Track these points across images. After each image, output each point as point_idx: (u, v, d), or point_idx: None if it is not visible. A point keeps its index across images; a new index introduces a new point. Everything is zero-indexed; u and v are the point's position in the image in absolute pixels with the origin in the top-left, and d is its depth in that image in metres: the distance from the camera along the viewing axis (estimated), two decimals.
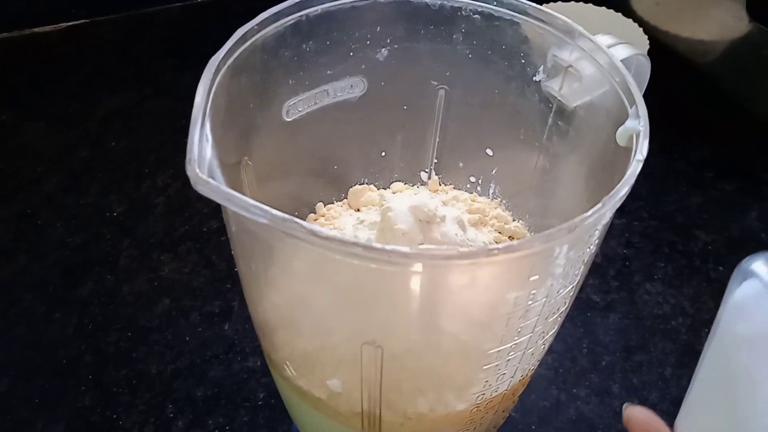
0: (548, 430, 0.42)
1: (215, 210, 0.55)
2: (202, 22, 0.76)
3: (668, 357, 0.46)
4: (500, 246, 0.17)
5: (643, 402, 0.44)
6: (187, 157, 0.19)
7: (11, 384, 0.43)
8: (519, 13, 0.27)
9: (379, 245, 0.17)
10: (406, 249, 0.17)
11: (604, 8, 0.68)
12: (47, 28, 0.73)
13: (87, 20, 0.74)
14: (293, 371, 0.24)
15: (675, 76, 0.67)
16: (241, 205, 0.18)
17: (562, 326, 0.48)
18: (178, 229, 0.53)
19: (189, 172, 0.18)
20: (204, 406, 0.42)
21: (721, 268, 0.52)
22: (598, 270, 0.52)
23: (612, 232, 0.55)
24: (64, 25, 0.74)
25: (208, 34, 0.74)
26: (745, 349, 0.18)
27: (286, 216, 0.17)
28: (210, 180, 0.18)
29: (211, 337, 0.46)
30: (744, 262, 0.19)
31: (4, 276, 0.50)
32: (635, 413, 0.22)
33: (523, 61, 0.28)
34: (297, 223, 0.17)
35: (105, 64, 0.70)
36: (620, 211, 0.56)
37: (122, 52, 0.72)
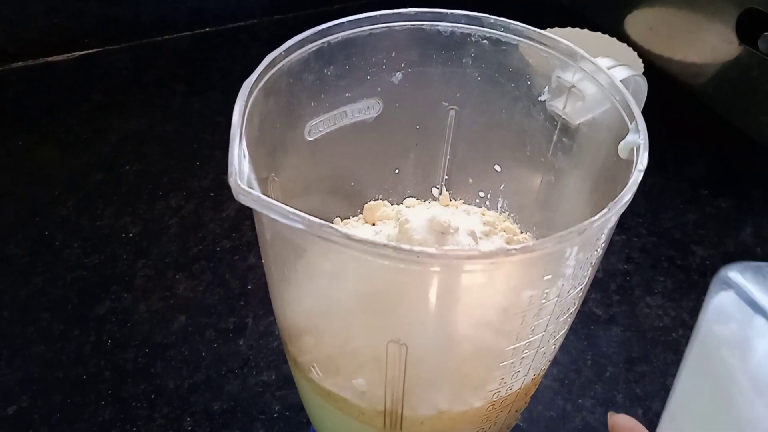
0: None
1: (227, 230, 0.56)
2: (209, 50, 0.79)
3: (669, 367, 0.48)
4: (517, 247, 0.18)
5: (646, 411, 0.46)
6: (229, 170, 0.21)
7: (31, 401, 0.44)
8: (524, 38, 0.29)
9: (407, 246, 0.18)
10: (432, 250, 0.18)
11: (599, 33, 0.71)
12: (60, 57, 0.75)
13: (99, 49, 0.77)
14: (319, 372, 0.26)
15: (669, 98, 0.70)
16: (281, 212, 0.19)
17: (567, 339, 0.49)
18: (192, 249, 0.55)
19: (231, 184, 0.20)
20: (221, 419, 0.44)
21: None
22: (600, 284, 0.54)
23: (612, 248, 0.57)
24: (76, 54, 0.76)
25: (215, 62, 0.76)
26: (721, 350, 0.19)
27: (322, 222, 0.19)
28: (251, 190, 0.20)
29: (226, 353, 0.47)
30: (721, 271, 0.20)
31: (22, 296, 0.51)
32: (619, 421, 0.23)
33: (528, 83, 0.30)
34: (332, 227, 0.19)
35: (116, 91, 0.72)
36: (620, 228, 0.59)
37: (133, 80, 0.74)
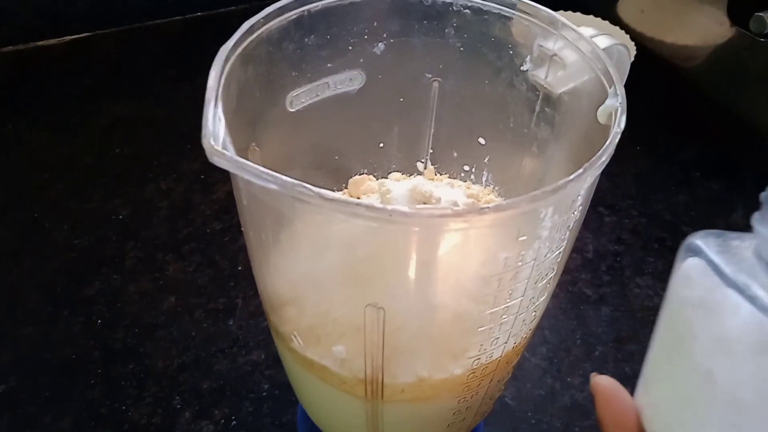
0: (544, 417, 0.44)
1: (217, 212, 0.56)
2: (201, 34, 0.78)
3: None
4: (490, 205, 0.18)
5: (634, 389, 0.46)
6: (203, 132, 0.20)
7: (19, 380, 0.44)
8: (506, 7, 0.29)
9: (380, 205, 0.18)
10: (405, 208, 0.18)
11: (591, 16, 0.71)
12: (51, 42, 0.75)
13: (90, 33, 0.76)
14: (300, 341, 0.26)
15: (661, 81, 0.70)
16: (254, 172, 0.19)
17: (557, 318, 0.50)
18: (182, 231, 0.55)
19: (205, 145, 0.20)
20: (210, 398, 0.44)
21: None
22: (591, 265, 0.54)
23: (603, 229, 0.57)
24: (67, 38, 0.76)
25: (207, 47, 0.75)
26: (687, 310, 0.20)
27: (295, 181, 0.19)
28: (225, 151, 0.20)
29: (215, 333, 0.47)
30: (688, 239, 0.21)
31: (11, 278, 0.51)
32: (601, 381, 0.24)
33: (511, 53, 0.30)
34: (305, 187, 0.19)
35: (107, 76, 0.72)
36: (611, 209, 0.59)
37: (124, 64, 0.74)
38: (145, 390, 0.44)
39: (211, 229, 0.55)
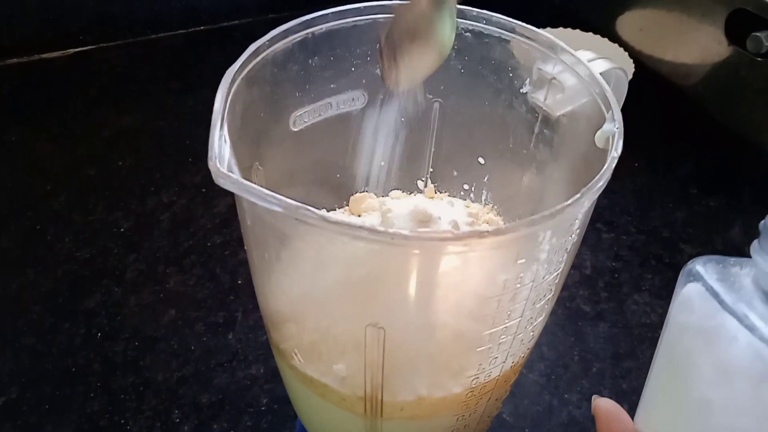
0: None
1: (219, 226, 0.57)
2: (203, 47, 0.79)
3: None
4: (490, 229, 0.19)
5: (632, 406, 0.46)
6: (209, 154, 0.21)
7: (20, 391, 0.45)
8: (507, 31, 0.29)
9: (382, 228, 0.19)
10: (406, 231, 0.19)
11: (591, 33, 0.72)
12: (55, 54, 0.76)
13: (94, 46, 0.77)
14: (301, 359, 0.26)
15: (659, 98, 0.70)
16: (258, 195, 0.20)
17: (554, 335, 0.50)
18: (183, 244, 0.55)
19: (211, 167, 0.20)
20: (209, 411, 0.44)
21: None
22: (588, 282, 0.54)
23: (601, 245, 0.57)
24: (71, 50, 0.76)
25: (210, 59, 0.76)
26: (686, 336, 0.20)
27: (299, 204, 0.19)
28: (230, 174, 0.20)
29: (215, 346, 0.48)
30: (688, 264, 0.21)
31: (13, 288, 0.51)
32: (602, 404, 0.24)
33: (510, 75, 0.30)
34: (308, 209, 0.19)
35: (110, 88, 0.73)
36: (609, 226, 0.59)
37: (127, 76, 0.75)
38: (144, 403, 0.44)
39: (212, 242, 0.55)
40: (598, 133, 0.25)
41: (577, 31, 0.71)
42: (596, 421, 0.24)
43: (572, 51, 0.28)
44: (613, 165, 0.22)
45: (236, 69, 0.25)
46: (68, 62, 0.76)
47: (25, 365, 0.46)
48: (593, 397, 0.25)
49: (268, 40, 0.27)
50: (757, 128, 0.64)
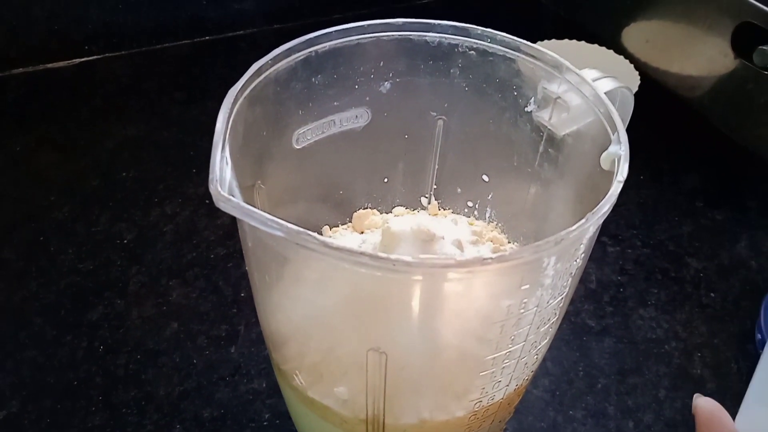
0: None
1: (222, 238, 0.57)
2: (208, 58, 0.79)
3: (662, 380, 0.48)
4: (493, 256, 0.19)
5: (637, 423, 0.46)
6: (210, 177, 0.21)
7: (21, 405, 0.44)
8: (511, 50, 0.29)
9: (384, 255, 0.18)
10: (408, 258, 0.18)
11: (596, 45, 0.71)
12: (60, 64, 0.76)
13: (99, 56, 0.77)
14: (302, 381, 0.26)
15: (665, 110, 0.70)
16: (260, 219, 0.19)
17: (559, 350, 0.49)
18: (186, 256, 0.55)
19: (212, 190, 0.20)
20: (211, 426, 0.44)
21: (712, 294, 0.54)
22: (593, 296, 0.54)
23: (606, 259, 0.57)
24: (76, 60, 0.76)
25: (215, 70, 0.76)
26: None
27: (300, 229, 0.19)
28: (231, 197, 0.20)
29: (217, 360, 0.47)
30: None
31: (16, 300, 0.51)
32: (703, 403, 0.24)
33: (515, 94, 0.30)
34: (310, 235, 0.19)
35: (115, 98, 0.73)
36: (614, 240, 0.59)
37: (132, 87, 0.75)
38: (146, 417, 0.44)
39: (215, 254, 0.55)
40: (604, 155, 0.25)
41: (583, 42, 0.71)
42: (696, 421, 0.23)
43: (577, 71, 0.28)
44: (618, 190, 0.22)
45: (238, 89, 0.25)
46: (73, 72, 0.76)
47: (26, 378, 0.46)
48: (695, 395, 0.25)
49: (271, 59, 0.27)
50: (763, 141, 0.63)
